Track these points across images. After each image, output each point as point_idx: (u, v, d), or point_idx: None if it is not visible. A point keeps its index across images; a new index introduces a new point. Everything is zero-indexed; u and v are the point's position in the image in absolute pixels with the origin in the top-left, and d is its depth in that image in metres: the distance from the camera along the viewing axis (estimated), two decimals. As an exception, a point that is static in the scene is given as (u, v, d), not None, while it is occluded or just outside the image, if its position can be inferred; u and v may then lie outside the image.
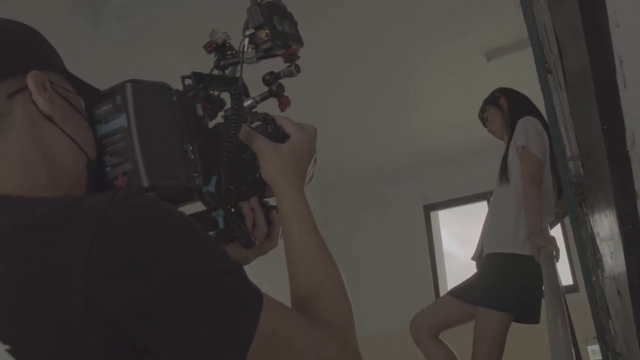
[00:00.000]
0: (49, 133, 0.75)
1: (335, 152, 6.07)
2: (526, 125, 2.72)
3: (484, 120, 3.10)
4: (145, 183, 0.77)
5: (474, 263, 2.97)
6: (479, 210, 6.72)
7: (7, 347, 0.58)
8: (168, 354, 0.60)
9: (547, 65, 2.30)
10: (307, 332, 0.71)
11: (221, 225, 0.89)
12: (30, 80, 0.74)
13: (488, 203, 6.44)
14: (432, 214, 6.97)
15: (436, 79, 5.27)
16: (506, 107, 2.96)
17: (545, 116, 2.80)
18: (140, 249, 0.60)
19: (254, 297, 0.66)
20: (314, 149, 0.98)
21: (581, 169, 2.49)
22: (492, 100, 3.06)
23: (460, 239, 7.98)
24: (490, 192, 6.29)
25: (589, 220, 2.59)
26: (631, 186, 1.30)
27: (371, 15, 4.35)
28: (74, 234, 0.60)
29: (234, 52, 0.98)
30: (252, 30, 0.96)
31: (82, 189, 0.77)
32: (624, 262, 1.44)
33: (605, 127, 1.27)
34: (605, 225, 1.74)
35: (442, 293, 6.40)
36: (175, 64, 4.32)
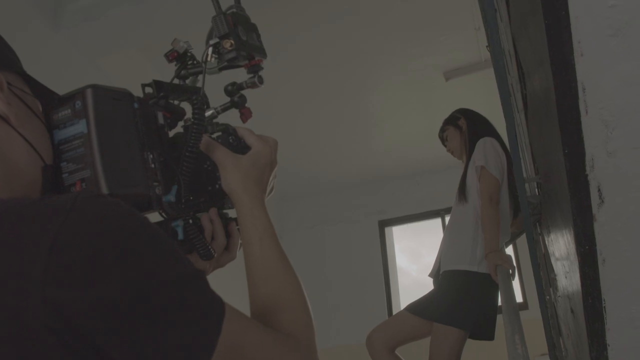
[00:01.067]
0: (4, 134, 0.72)
1: (293, 165, 6.08)
2: (485, 146, 2.78)
3: (443, 140, 3.16)
4: (105, 191, 0.75)
5: (425, 279, 3.01)
6: (430, 227, 6.83)
7: None
8: None
9: (508, 87, 2.35)
10: (268, 344, 0.70)
11: (180, 236, 0.89)
12: None
13: (443, 220, 6.56)
14: (386, 229, 7.03)
15: (395, 95, 5.34)
16: (465, 128, 3.02)
17: (502, 137, 2.87)
18: (102, 251, 0.58)
19: (216, 306, 0.65)
20: (275, 161, 0.99)
21: (537, 190, 2.55)
22: (451, 121, 3.12)
23: (411, 255, 8.08)
24: (445, 210, 6.45)
25: (543, 240, 2.66)
26: (589, 209, 1.34)
27: (332, 30, 4.39)
28: (33, 234, 0.57)
29: (195, 62, 0.98)
30: (216, 40, 0.95)
31: (36, 194, 0.75)
32: (579, 282, 1.48)
33: (566, 151, 1.31)
34: (561, 245, 1.79)
35: (395, 309, 6.46)
36: (133, 67, 4.28)
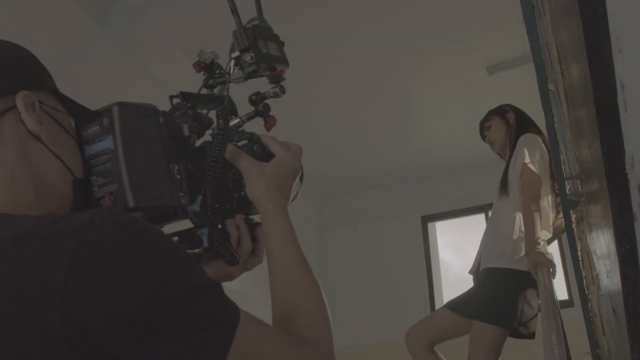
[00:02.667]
0: (36, 151, 0.77)
1: (335, 162, 6.09)
2: (528, 142, 2.74)
3: (484, 129, 3.10)
4: (131, 203, 0.79)
5: (469, 274, 2.98)
6: (475, 222, 6.74)
7: None
8: None
9: (549, 82, 2.32)
10: (284, 350, 0.72)
11: (205, 244, 0.92)
12: (19, 100, 0.77)
13: (485, 216, 6.47)
14: (429, 225, 6.98)
15: (437, 91, 5.29)
16: (513, 121, 2.97)
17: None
18: (118, 265, 0.61)
19: (230, 315, 0.67)
20: (299, 168, 1.01)
21: (580, 187, 2.51)
22: (499, 112, 3.07)
23: (456, 250, 8.00)
24: (488, 205, 6.36)
25: (586, 238, 2.61)
26: (629, 208, 1.31)
27: (374, 27, 4.37)
28: (54, 251, 0.61)
29: (221, 72, 1.01)
30: (237, 53, 0.98)
31: (67, 208, 0.79)
32: (620, 282, 1.46)
33: (605, 149, 1.28)
34: (602, 244, 1.76)
35: (437, 304, 6.41)
36: (178, 67, 4.34)
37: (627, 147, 1.25)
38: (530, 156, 2.68)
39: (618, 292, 1.55)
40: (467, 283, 2.96)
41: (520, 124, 2.95)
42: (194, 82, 1.03)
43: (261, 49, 0.98)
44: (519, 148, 2.75)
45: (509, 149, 2.93)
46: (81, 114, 0.85)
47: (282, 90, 1.03)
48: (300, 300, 0.84)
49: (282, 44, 1.03)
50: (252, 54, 0.97)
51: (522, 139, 2.78)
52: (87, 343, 0.59)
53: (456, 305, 2.76)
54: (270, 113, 1.06)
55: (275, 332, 0.74)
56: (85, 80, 3.09)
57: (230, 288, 0.83)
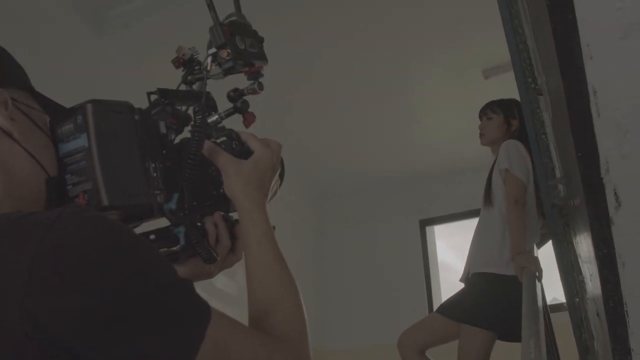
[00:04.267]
0: (7, 149, 0.76)
1: (332, 163, 6.09)
2: (509, 148, 2.74)
3: (485, 114, 3.05)
4: (105, 202, 0.78)
5: (460, 282, 2.99)
6: (475, 224, 6.72)
7: None
8: None
9: (538, 87, 2.33)
10: (256, 347, 0.72)
11: (182, 242, 0.92)
12: None
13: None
14: (427, 228, 6.97)
15: (435, 94, 5.30)
16: (515, 129, 2.93)
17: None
18: (81, 262, 0.60)
19: (201, 312, 0.67)
20: (278, 165, 1.01)
21: (565, 191, 2.51)
22: (506, 112, 3.00)
23: (460, 252, 7.97)
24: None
25: (574, 242, 2.62)
26: (605, 212, 1.32)
27: (371, 27, 4.38)
28: (18, 246, 0.61)
29: (201, 67, 1.01)
30: (214, 50, 0.98)
31: (41, 206, 0.79)
32: (600, 286, 1.46)
33: (579, 154, 1.29)
34: (584, 248, 1.77)
35: (436, 308, 6.39)
36: (174, 71, 4.36)
37: (601, 152, 1.26)
38: (512, 162, 2.68)
39: (599, 296, 1.55)
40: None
41: (521, 134, 2.89)
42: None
43: (238, 45, 0.98)
44: (500, 154, 2.76)
45: (497, 151, 2.92)
46: (57, 112, 0.84)
47: (260, 87, 1.03)
48: (276, 298, 0.84)
49: (261, 40, 1.03)
50: (229, 51, 0.97)
51: (504, 145, 2.78)
52: (49, 342, 0.59)
53: (446, 309, 2.77)
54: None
55: (248, 331, 0.74)
56: (80, 86, 3.11)
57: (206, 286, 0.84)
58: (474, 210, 6.46)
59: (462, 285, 2.93)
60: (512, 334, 2.61)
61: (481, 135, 3.06)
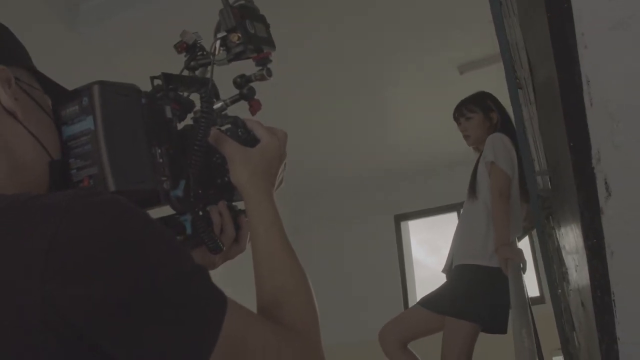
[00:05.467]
0: (10, 129, 0.73)
1: (308, 161, 6.09)
2: (494, 142, 2.75)
3: (462, 116, 3.01)
4: (112, 187, 0.75)
5: (442, 272, 3.00)
6: (448, 219, 6.81)
7: None
8: (128, 358, 0.59)
9: (518, 80, 2.35)
10: (271, 338, 0.70)
11: (188, 230, 0.89)
12: None
13: (458, 214, 6.54)
14: (402, 224, 7.02)
15: (410, 90, 5.31)
16: (496, 122, 2.91)
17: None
18: (101, 247, 0.58)
19: (218, 302, 0.65)
20: (284, 154, 0.98)
21: (549, 183, 2.54)
22: (484, 108, 2.98)
23: (429, 248, 8.06)
24: (460, 204, 6.40)
25: (556, 234, 2.65)
26: (596, 202, 1.33)
27: (345, 26, 4.37)
28: (32, 231, 0.58)
29: (204, 53, 0.97)
30: (223, 33, 0.95)
31: (43, 189, 0.75)
32: (588, 276, 1.48)
33: (572, 144, 1.30)
34: (570, 239, 1.79)
35: (411, 303, 6.45)
36: (147, 66, 4.31)
37: (593, 142, 1.27)
38: (497, 155, 2.69)
39: (586, 286, 1.57)
40: (441, 281, 2.97)
41: (503, 128, 2.89)
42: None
43: (249, 29, 0.95)
44: (486, 147, 2.76)
45: (482, 147, 2.93)
46: (58, 94, 0.81)
47: (269, 73, 1.00)
48: (287, 288, 0.82)
49: (268, 26, 1.00)
50: (239, 35, 0.94)
51: (489, 138, 2.78)
52: (68, 330, 0.56)
53: (429, 302, 2.78)
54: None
55: (260, 320, 0.72)
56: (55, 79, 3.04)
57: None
58: (448, 205, 6.59)
59: (434, 280, 2.93)
60: (496, 326, 2.64)
61: (466, 137, 3.02)
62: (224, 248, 0.92)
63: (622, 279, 1.43)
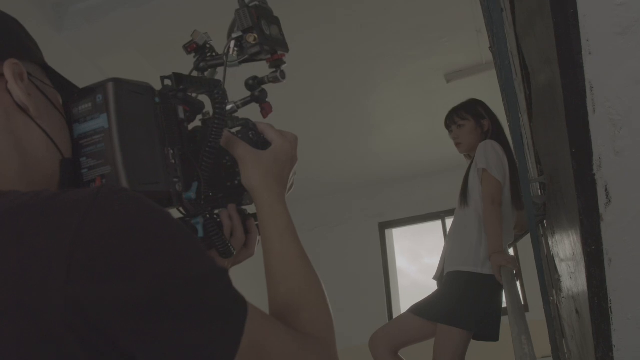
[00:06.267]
0: (22, 124, 0.71)
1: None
2: (486, 148, 2.76)
3: (454, 123, 2.99)
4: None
5: (424, 280, 3.01)
6: (430, 228, 6.84)
7: None
8: (149, 359, 0.58)
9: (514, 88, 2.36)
10: (289, 344, 0.69)
11: (200, 234, 0.87)
12: (8, 68, 0.70)
13: (442, 222, 6.56)
14: (386, 231, 7.03)
15: (396, 97, 5.33)
16: (488, 129, 2.92)
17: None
18: (124, 246, 0.56)
19: (239, 305, 0.64)
20: (295, 157, 0.97)
21: (539, 191, 2.55)
22: (475, 115, 2.97)
23: (411, 256, 8.08)
24: (445, 212, 6.43)
25: (546, 241, 2.66)
26: (596, 208, 1.34)
27: (332, 31, 4.38)
28: (54, 228, 0.56)
29: (214, 54, 0.96)
30: (239, 33, 0.94)
31: (53, 188, 0.73)
32: (585, 282, 1.48)
33: (573, 150, 1.30)
34: (566, 246, 1.79)
35: (395, 310, 6.45)
36: (134, 68, 4.27)
37: (595, 149, 1.27)
38: (490, 162, 2.70)
39: (583, 292, 1.57)
40: (422, 289, 2.97)
41: (495, 134, 2.90)
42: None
43: (264, 30, 0.94)
44: (478, 155, 2.77)
45: (472, 154, 2.94)
46: (69, 91, 0.79)
47: (283, 75, 0.99)
48: (302, 293, 0.81)
49: (281, 28, 0.99)
50: (256, 35, 0.92)
51: (481, 145, 2.79)
52: (90, 330, 0.55)
53: (420, 309, 2.77)
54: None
55: (280, 326, 0.70)
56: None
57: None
58: (432, 213, 6.62)
59: (416, 288, 2.92)
60: (488, 333, 2.63)
61: (458, 144, 3.00)
62: (234, 252, 0.90)
63: (620, 285, 1.44)
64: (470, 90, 5.04)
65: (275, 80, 0.99)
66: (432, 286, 2.91)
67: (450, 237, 2.87)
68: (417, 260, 8.06)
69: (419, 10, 4.20)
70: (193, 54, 0.96)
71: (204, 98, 0.91)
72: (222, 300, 0.62)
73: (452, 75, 4.99)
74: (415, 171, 6.66)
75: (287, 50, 0.98)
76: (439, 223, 6.66)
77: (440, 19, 4.32)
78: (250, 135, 0.94)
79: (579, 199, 1.36)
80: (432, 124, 5.30)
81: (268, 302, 0.82)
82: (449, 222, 5.90)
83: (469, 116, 2.97)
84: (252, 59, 0.95)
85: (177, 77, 0.87)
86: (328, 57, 4.66)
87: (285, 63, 0.98)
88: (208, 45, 0.96)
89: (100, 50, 4.09)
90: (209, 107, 0.91)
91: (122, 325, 0.55)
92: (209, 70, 0.96)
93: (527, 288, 5.82)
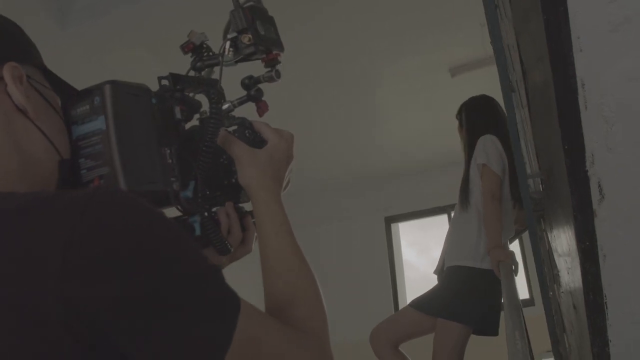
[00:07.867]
0: (22, 126, 0.72)
1: (298, 162, 6.06)
2: (485, 144, 2.77)
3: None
4: (123, 188, 0.75)
5: (432, 272, 3.01)
6: (438, 221, 6.83)
7: None
8: (144, 357, 0.59)
9: (510, 83, 2.36)
10: (283, 340, 0.70)
11: (197, 232, 0.88)
12: (7, 71, 0.72)
13: (448, 216, 6.55)
14: (392, 225, 7.03)
15: (401, 92, 5.32)
16: (464, 125, 2.98)
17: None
18: (118, 248, 0.57)
19: (232, 302, 0.65)
20: (291, 155, 0.99)
21: (540, 186, 2.55)
22: (457, 115, 3.09)
23: (419, 249, 8.07)
24: (450, 206, 6.42)
25: (547, 237, 2.66)
26: (589, 205, 1.34)
27: (338, 27, 4.37)
28: (50, 228, 0.57)
29: (211, 54, 0.97)
30: (234, 34, 0.95)
31: (52, 188, 0.74)
32: (580, 278, 1.48)
33: (566, 147, 1.30)
34: (563, 242, 1.79)
35: (401, 304, 6.46)
36: (138, 64, 4.28)
37: (587, 145, 1.27)
38: (489, 157, 2.71)
39: (579, 288, 1.58)
40: (430, 282, 2.98)
41: (470, 128, 2.94)
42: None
43: (259, 30, 0.95)
44: (477, 150, 2.78)
45: (465, 152, 2.95)
46: (68, 94, 0.80)
47: (278, 75, 0.99)
48: (297, 290, 0.82)
49: (276, 27, 1.00)
50: (250, 36, 0.93)
51: (481, 140, 2.80)
52: (85, 329, 0.56)
53: (420, 303, 2.78)
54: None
55: (274, 322, 0.71)
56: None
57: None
58: (438, 207, 6.61)
59: (424, 281, 2.94)
60: (487, 328, 2.64)
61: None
62: (232, 249, 0.91)
63: (614, 281, 1.44)
64: (474, 84, 5.02)
65: (270, 79, 1.00)
66: (440, 279, 2.93)
67: (450, 232, 2.88)
68: (426, 253, 8.05)
69: (423, 5, 4.19)
70: (190, 54, 0.97)
71: (202, 97, 0.92)
72: (215, 298, 0.63)
73: (457, 70, 4.98)
74: (421, 165, 6.65)
75: (282, 49, 0.99)
76: (444, 217, 6.66)
77: (444, 13, 4.30)
78: (247, 134, 0.96)
79: (572, 195, 1.36)
80: (437, 118, 5.29)
81: (264, 298, 0.83)
82: (454, 216, 5.88)
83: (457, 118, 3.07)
84: (248, 58, 0.95)
85: (174, 78, 0.88)
86: (333, 51, 4.65)
87: (280, 62, 0.99)
88: (205, 45, 0.96)
89: (104, 46, 4.11)
90: (206, 106, 0.92)
91: (116, 324, 0.57)
92: (206, 69, 0.97)
93: (532, 282, 5.81)
